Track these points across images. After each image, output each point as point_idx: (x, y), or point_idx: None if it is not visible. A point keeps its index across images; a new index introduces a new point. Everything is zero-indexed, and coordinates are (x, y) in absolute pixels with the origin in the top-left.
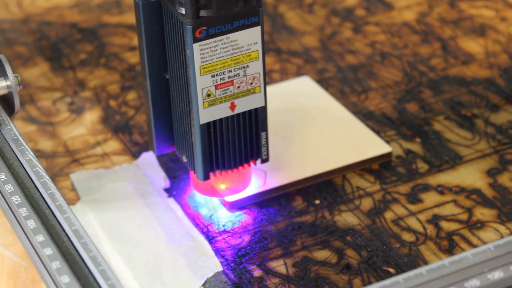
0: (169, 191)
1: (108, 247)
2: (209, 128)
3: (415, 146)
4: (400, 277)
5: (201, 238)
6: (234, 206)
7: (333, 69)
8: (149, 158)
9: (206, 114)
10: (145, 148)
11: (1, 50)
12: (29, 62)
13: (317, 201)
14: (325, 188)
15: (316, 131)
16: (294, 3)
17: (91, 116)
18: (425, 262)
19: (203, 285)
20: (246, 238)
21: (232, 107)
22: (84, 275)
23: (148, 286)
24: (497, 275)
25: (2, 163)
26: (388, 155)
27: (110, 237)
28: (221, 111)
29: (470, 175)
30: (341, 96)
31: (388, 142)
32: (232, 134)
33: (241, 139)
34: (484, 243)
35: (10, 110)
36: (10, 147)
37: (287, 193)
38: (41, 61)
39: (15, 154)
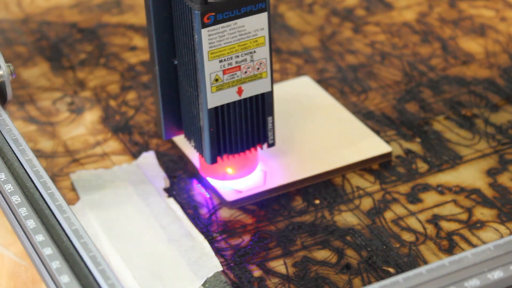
0: (169, 191)
1: (108, 247)
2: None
3: (415, 146)
4: (400, 277)
5: (201, 238)
6: (234, 206)
7: (333, 69)
8: (149, 158)
9: (214, 98)
10: (145, 148)
11: (1, 50)
12: (29, 62)
13: (317, 201)
14: (325, 188)
15: (316, 131)
16: (294, 3)
17: (91, 116)
18: (425, 262)
19: (203, 285)
20: (246, 238)
21: (240, 91)
22: (84, 275)
23: (148, 286)
24: (497, 275)
25: (2, 163)
26: (388, 155)
27: (110, 237)
28: (229, 96)
29: (470, 175)
30: (341, 96)
31: (388, 142)
32: (239, 119)
33: (248, 124)
34: (484, 243)
35: (3, 100)
36: (10, 147)
37: (287, 193)
38: (41, 61)
39: (15, 154)
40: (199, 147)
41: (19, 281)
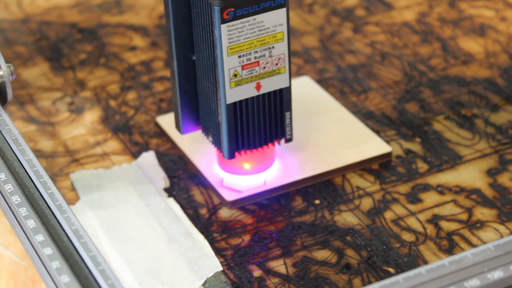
0: (169, 191)
1: (108, 247)
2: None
3: (415, 146)
4: (400, 277)
5: (201, 238)
6: (234, 206)
7: (333, 69)
8: (149, 158)
9: (232, 94)
10: (145, 148)
11: (1, 50)
12: (29, 62)
13: (317, 201)
14: (325, 188)
15: (316, 131)
16: (294, 3)
17: (91, 116)
18: (425, 262)
19: (203, 285)
20: (246, 238)
21: (258, 87)
22: (84, 275)
23: (148, 286)
24: (497, 274)
25: (2, 163)
26: (388, 155)
27: (110, 237)
28: (247, 91)
29: (470, 175)
30: (341, 96)
31: (388, 142)
32: (257, 114)
33: (266, 119)
34: (484, 243)
35: (3, 100)
36: (10, 147)
37: (287, 193)
38: (41, 61)
39: (15, 154)
40: (217, 142)
41: (19, 281)
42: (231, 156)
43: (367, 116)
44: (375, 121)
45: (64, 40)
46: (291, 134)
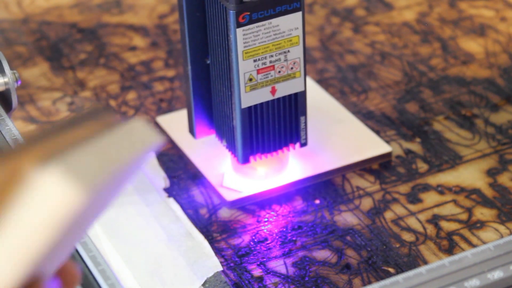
0: (169, 191)
1: (108, 247)
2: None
3: (415, 146)
4: (400, 277)
5: (201, 238)
6: (234, 206)
7: (333, 69)
8: (149, 158)
9: (247, 98)
10: None
11: (1, 50)
12: (29, 62)
13: (317, 201)
14: (325, 188)
15: (316, 131)
16: None
17: None
18: (425, 262)
19: (203, 285)
20: (246, 238)
21: (273, 91)
22: (84, 275)
23: (148, 286)
24: (497, 274)
25: None
26: (388, 155)
27: (110, 237)
28: (262, 95)
29: (470, 175)
30: (341, 96)
31: (388, 142)
32: (272, 118)
33: (281, 123)
34: (484, 243)
35: (8, 107)
36: (10, 147)
37: (287, 193)
38: (41, 61)
39: None
40: (231, 147)
41: None
42: (246, 160)
43: (367, 116)
44: (375, 121)
45: (64, 40)
46: (306, 139)
